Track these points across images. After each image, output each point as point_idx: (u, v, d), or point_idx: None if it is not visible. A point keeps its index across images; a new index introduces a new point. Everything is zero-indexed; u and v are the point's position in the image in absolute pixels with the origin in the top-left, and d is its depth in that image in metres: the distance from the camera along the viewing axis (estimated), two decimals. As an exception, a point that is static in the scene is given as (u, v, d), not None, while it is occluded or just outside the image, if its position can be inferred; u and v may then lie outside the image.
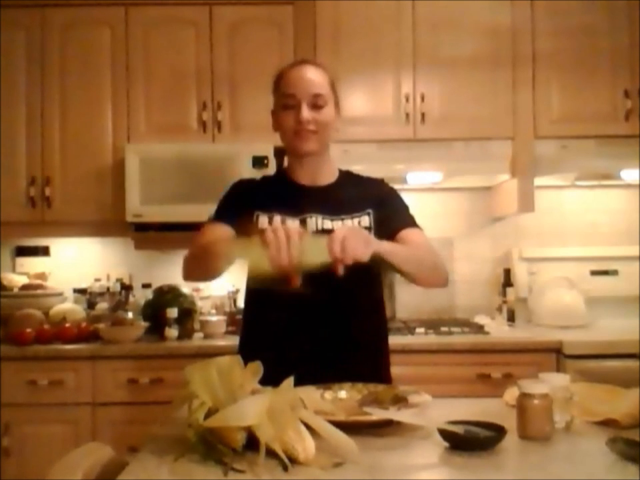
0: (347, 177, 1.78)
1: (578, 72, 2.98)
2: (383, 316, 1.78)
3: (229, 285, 3.10)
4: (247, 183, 1.80)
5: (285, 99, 1.65)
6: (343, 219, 1.66)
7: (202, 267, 1.63)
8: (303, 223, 1.64)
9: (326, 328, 1.63)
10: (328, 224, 1.65)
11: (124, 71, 3.02)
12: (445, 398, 1.48)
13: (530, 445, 1.20)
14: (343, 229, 1.39)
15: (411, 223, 1.71)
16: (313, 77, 1.66)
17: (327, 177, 1.74)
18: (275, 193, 1.71)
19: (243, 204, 1.69)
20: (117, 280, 3.18)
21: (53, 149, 3.01)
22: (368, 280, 1.67)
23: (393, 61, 2.99)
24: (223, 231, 1.65)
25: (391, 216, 1.69)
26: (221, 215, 1.71)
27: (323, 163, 1.73)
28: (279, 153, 2.87)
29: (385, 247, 1.47)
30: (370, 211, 1.68)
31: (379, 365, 1.74)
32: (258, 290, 1.65)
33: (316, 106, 1.63)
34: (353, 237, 1.35)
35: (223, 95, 3.01)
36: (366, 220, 1.67)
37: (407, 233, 1.66)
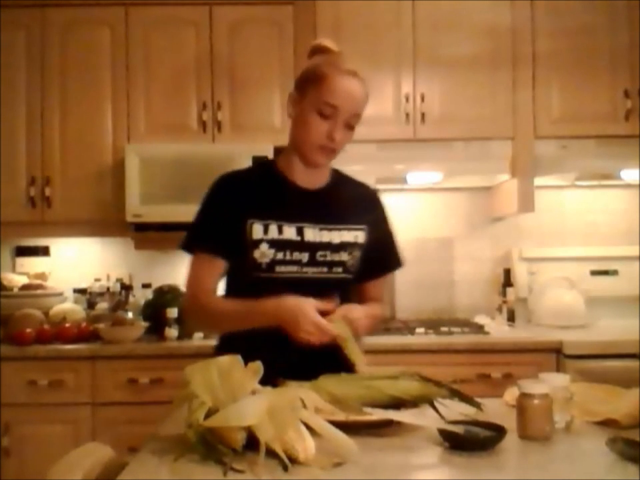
0: (338, 178, 1.73)
1: (578, 72, 2.98)
2: None
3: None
4: (235, 182, 1.66)
5: (324, 106, 1.55)
6: (340, 230, 1.64)
7: (209, 328, 1.67)
8: (300, 232, 1.60)
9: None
10: (325, 236, 1.62)
11: (124, 70, 3.02)
12: (445, 398, 1.48)
13: (530, 445, 1.20)
14: (363, 321, 1.55)
15: (393, 263, 1.77)
16: (359, 95, 1.58)
17: (322, 178, 1.70)
18: (269, 195, 1.64)
19: (232, 213, 1.58)
20: (117, 280, 3.18)
21: (53, 148, 3.00)
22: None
23: (393, 61, 2.99)
24: (217, 274, 1.62)
25: (377, 254, 1.70)
26: (208, 239, 1.60)
27: (323, 167, 1.69)
28: (279, 152, 2.86)
29: (366, 327, 1.60)
30: (365, 227, 1.68)
31: None
32: (244, 291, 1.62)
33: (349, 125, 1.59)
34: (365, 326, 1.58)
35: (223, 95, 3.01)
36: (361, 236, 1.67)
37: (375, 285, 1.75)
